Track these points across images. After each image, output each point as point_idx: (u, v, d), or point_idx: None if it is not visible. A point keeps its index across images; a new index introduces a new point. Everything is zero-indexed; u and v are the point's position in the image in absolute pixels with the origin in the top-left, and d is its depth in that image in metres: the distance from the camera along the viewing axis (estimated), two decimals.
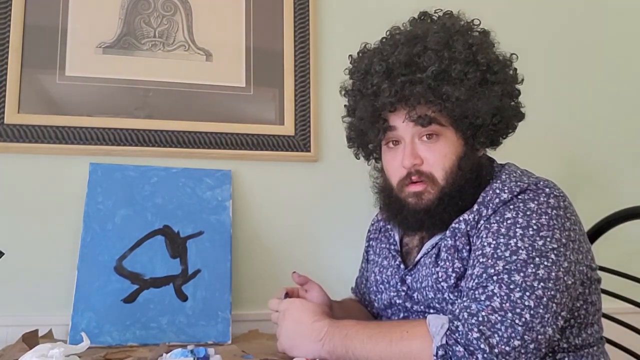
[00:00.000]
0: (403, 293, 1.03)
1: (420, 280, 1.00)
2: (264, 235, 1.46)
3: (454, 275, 0.93)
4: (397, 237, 1.11)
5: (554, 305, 0.83)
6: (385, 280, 1.08)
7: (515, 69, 1.02)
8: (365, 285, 1.20)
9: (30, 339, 1.13)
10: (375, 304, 1.12)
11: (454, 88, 0.94)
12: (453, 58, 0.95)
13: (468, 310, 0.83)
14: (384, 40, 1.05)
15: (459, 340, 0.81)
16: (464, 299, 0.87)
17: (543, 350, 0.83)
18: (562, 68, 1.71)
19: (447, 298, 0.94)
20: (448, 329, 0.83)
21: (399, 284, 1.04)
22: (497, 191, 0.94)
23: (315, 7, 1.53)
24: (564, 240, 0.89)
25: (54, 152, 1.35)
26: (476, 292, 0.85)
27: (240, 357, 1.12)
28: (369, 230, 1.24)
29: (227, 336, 1.28)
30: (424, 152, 0.98)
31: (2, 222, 1.32)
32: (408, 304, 1.02)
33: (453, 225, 0.97)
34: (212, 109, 1.45)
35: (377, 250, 1.16)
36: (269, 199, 1.47)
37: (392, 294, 1.05)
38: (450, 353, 0.81)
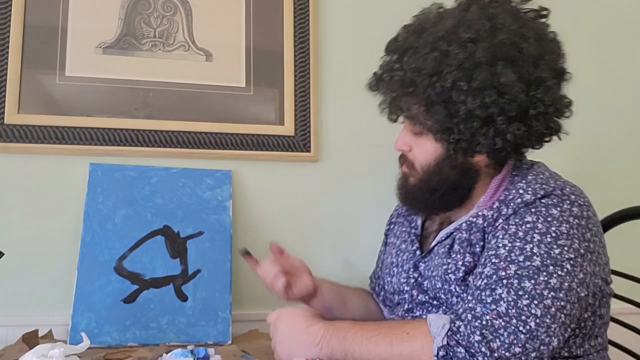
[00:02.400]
0: (413, 280, 1.02)
1: (432, 268, 0.99)
2: (264, 235, 1.45)
3: (463, 268, 0.92)
4: (419, 222, 1.11)
5: (562, 316, 0.82)
6: (400, 264, 1.07)
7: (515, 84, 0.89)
8: (381, 269, 1.20)
9: (30, 339, 1.13)
10: (386, 287, 1.11)
11: (414, 99, 0.94)
12: (419, 69, 0.91)
13: (472, 312, 0.83)
14: (412, 19, 1.02)
15: (460, 341, 0.81)
16: (470, 298, 0.86)
17: None
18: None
19: (454, 290, 0.93)
20: (449, 330, 0.82)
21: (412, 269, 1.04)
22: (521, 191, 0.92)
23: (315, 7, 1.53)
24: (582, 251, 0.86)
25: (54, 152, 1.35)
26: (483, 294, 0.84)
27: (240, 357, 1.12)
28: (391, 215, 1.24)
29: (227, 336, 1.28)
30: (412, 141, 1.00)
31: (2, 222, 1.32)
32: (415, 292, 1.01)
33: (470, 219, 0.96)
34: (212, 109, 1.45)
35: (397, 233, 1.16)
36: (269, 199, 1.47)
37: (402, 279, 1.05)
38: (451, 354, 0.81)
